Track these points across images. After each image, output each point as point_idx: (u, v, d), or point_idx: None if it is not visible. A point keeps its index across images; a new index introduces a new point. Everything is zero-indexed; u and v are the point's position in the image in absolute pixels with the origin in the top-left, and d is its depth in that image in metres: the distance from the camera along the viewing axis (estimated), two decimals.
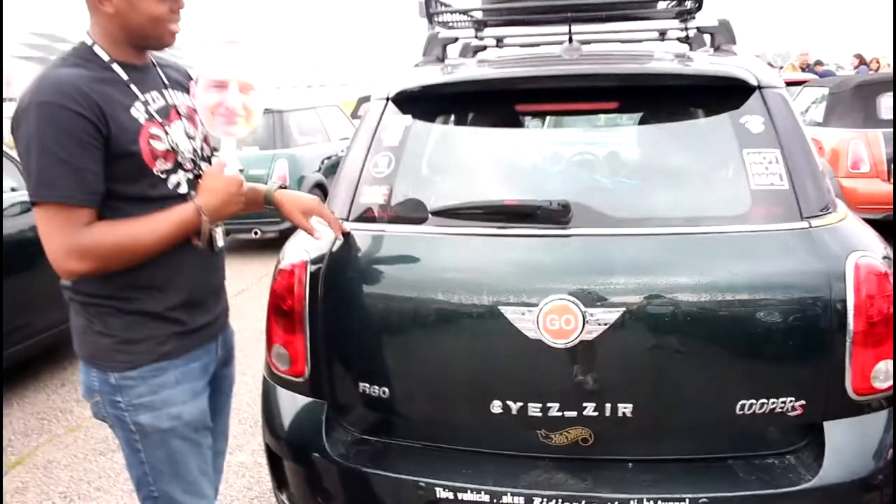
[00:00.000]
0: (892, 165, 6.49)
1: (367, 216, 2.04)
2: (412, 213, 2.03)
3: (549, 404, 1.83)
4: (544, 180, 2.25)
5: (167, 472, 1.75)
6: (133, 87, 1.66)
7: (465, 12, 2.77)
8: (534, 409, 1.84)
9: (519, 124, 2.28)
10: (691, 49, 2.81)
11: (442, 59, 2.78)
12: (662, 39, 3.05)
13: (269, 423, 2.16)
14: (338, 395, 2.03)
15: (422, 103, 2.14)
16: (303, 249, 2.06)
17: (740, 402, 1.79)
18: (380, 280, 1.99)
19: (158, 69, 1.77)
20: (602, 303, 1.77)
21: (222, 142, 1.72)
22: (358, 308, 1.98)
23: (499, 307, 1.81)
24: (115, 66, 1.65)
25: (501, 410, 1.86)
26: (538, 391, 1.84)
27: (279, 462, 2.15)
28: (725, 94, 2.02)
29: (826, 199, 1.94)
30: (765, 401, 1.79)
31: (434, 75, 2.25)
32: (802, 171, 1.92)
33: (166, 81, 1.76)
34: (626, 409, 1.81)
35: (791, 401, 1.80)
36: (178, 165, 1.70)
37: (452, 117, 2.24)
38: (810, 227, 1.84)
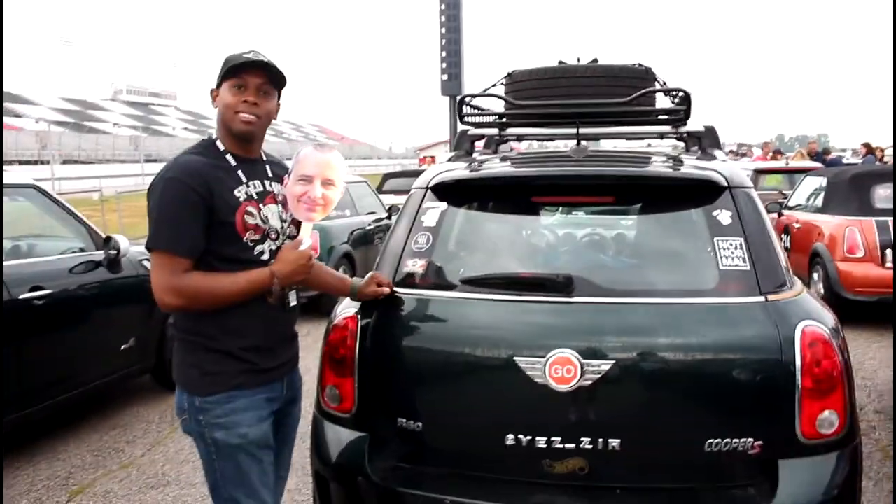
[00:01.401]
0: (893, 250, 6.90)
1: (408, 283, 2.51)
2: (445, 280, 2.50)
3: (552, 438, 2.25)
4: (553, 257, 2.74)
5: (234, 480, 2.18)
6: (240, 173, 2.18)
7: (492, 114, 3.31)
8: (540, 442, 2.26)
9: (534, 211, 2.76)
10: (687, 147, 3.32)
11: (470, 152, 3.31)
12: (662, 138, 3.58)
13: (319, 453, 2.59)
14: (379, 429, 2.46)
15: (456, 192, 2.64)
16: (353, 308, 2.52)
17: (708, 441, 2.21)
18: (417, 334, 2.46)
19: (267, 164, 2.29)
20: (597, 356, 2.21)
21: (302, 224, 2.21)
22: (399, 357, 2.44)
23: (513, 358, 2.25)
24: (228, 156, 2.19)
25: (514, 442, 2.28)
26: (544, 427, 2.26)
27: (326, 485, 2.56)
28: (702, 192, 2.50)
29: (782, 277, 2.39)
30: (728, 440, 2.21)
31: (466, 170, 2.76)
32: (762, 255, 2.38)
33: (270, 174, 2.27)
34: (615, 443, 2.23)
35: (750, 441, 2.21)
36: (265, 237, 2.19)
37: (480, 204, 2.73)
38: (766, 300, 2.29)
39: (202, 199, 2.06)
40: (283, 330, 2.31)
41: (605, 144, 3.97)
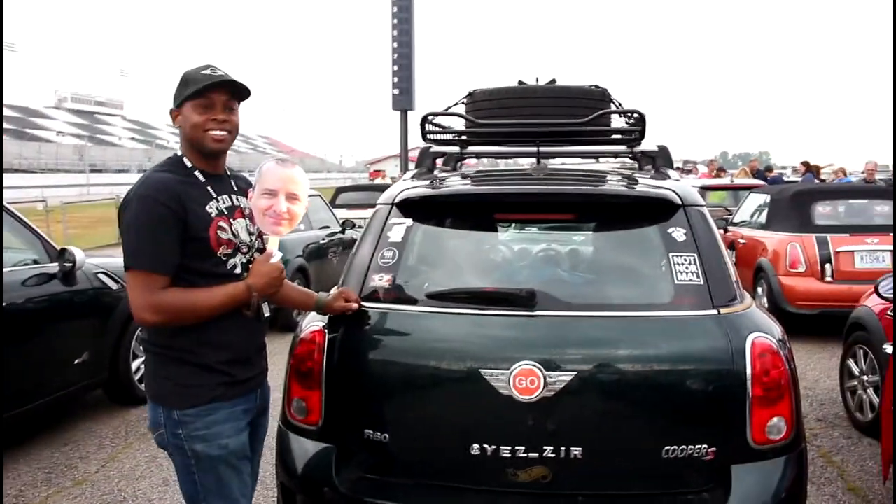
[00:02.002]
0: None
1: (374, 297, 2.56)
2: (411, 295, 2.57)
3: (516, 447, 2.32)
4: (516, 272, 2.82)
5: (214, 491, 2.20)
6: (210, 189, 2.21)
7: (454, 132, 3.39)
8: (504, 451, 2.33)
9: (496, 228, 2.84)
10: (640, 166, 3.45)
11: (432, 169, 3.38)
12: (616, 157, 3.71)
13: (285, 465, 2.61)
14: (346, 440, 2.50)
15: (421, 208, 2.71)
16: (320, 322, 2.56)
17: (666, 448, 2.31)
18: (384, 348, 2.51)
19: (231, 179, 2.32)
20: (559, 368, 2.30)
21: (270, 238, 2.25)
22: (366, 370, 2.49)
23: (479, 370, 2.32)
24: (197, 173, 2.22)
25: (479, 452, 2.34)
26: (508, 436, 2.33)
27: (293, 497, 2.59)
28: (658, 209, 2.62)
29: (733, 291, 2.51)
30: (684, 447, 2.31)
31: (430, 187, 2.82)
32: (714, 270, 2.50)
33: (236, 188, 2.31)
34: (577, 451, 2.31)
35: (705, 447, 2.32)
36: (236, 251, 2.23)
37: (445, 220, 2.79)
38: (719, 313, 2.41)
39: (175, 216, 2.09)
40: (258, 340, 2.36)
41: (555, 162, 4.08)
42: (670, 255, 2.51)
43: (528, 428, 2.33)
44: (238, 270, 2.23)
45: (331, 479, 2.46)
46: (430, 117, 3.38)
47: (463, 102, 3.67)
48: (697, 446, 2.32)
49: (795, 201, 7.83)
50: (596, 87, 3.58)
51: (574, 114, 3.32)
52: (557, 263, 2.92)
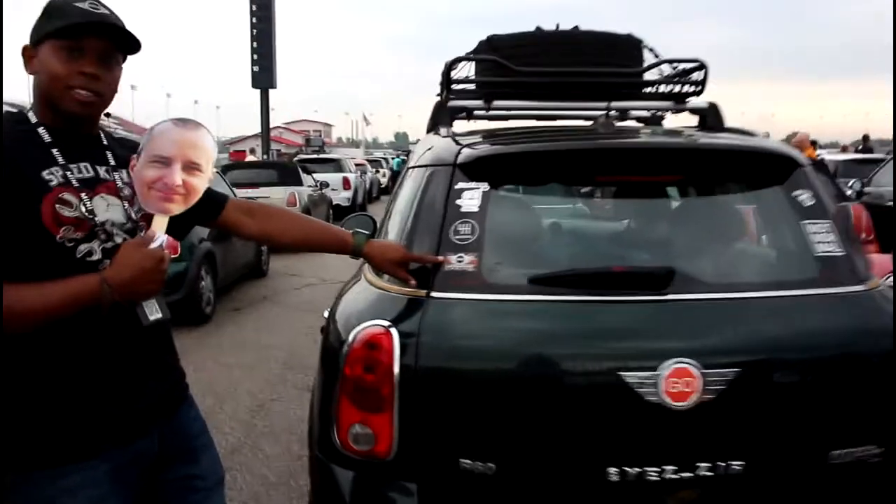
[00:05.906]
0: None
1: (455, 284, 1.97)
2: (508, 280, 2.00)
3: (665, 466, 1.84)
4: (632, 247, 2.31)
5: None
6: (55, 151, 1.58)
7: (487, 83, 2.83)
8: (651, 474, 1.84)
9: (597, 193, 2.32)
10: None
11: (450, 126, 2.80)
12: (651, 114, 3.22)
13: None
14: (432, 475, 1.92)
15: (495, 170, 2.13)
16: (384, 321, 1.94)
17: (832, 452, 1.89)
18: (481, 350, 1.93)
19: (108, 149, 1.70)
20: (719, 365, 1.82)
21: (154, 218, 1.62)
22: (458, 380, 1.91)
23: (618, 373, 1.81)
24: (40, 129, 1.60)
25: (618, 477, 1.84)
26: (655, 454, 1.84)
27: None
28: (776, 169, 2.18)
29: (868, 262, 2.13)
30: (852, 449, 1.89)
31: (510, 144, 2.26)
32: (851, 239, 2.10)
33: (112, 160, 1.68)
34: (737, 466, 1.86)
35: (873, 448, 1.91)
36: (93, 235, 1.58)
37: (531, 185, 2.24)
38: (870, 288, 2.01)
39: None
40: (144, 356, 1.68)
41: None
42: (802, 222, 2.09)
43: (680, 441, 1.85)
44: (96, 257, 1.58)
45: None
46: (456, 64, 2.80)
47: (471, 56, 3.09)
48: (865, 447, 1.93)
49: None
50: (629, 35, 3.13)
51: (614, 64, 2.86)
52: (676, 235, 2.40)
